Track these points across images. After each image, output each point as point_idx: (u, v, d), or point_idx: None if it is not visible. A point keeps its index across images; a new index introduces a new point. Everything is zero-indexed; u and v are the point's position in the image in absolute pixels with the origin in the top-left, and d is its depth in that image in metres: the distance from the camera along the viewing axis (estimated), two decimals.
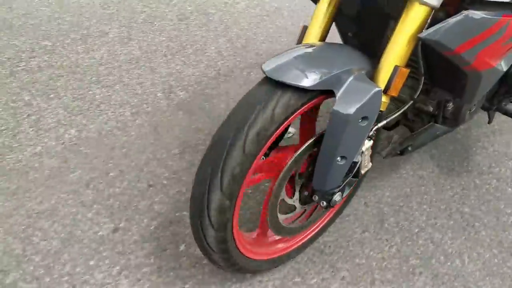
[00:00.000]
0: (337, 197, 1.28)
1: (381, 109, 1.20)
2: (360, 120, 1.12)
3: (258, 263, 1.35)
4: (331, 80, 1.10)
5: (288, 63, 1.11)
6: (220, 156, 1.10)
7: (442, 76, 1.39)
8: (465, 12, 1.08)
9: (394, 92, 1.17)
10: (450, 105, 1.50)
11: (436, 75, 1.40)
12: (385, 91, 1.17)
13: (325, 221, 1.53)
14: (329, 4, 1.28)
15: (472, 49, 1.15)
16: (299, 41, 1.36)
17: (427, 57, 1.32)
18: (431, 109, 1.52)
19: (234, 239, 1.22)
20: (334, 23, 1.37)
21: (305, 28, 1.34)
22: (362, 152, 1.24)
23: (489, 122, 1.77)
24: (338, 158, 1.17)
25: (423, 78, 1.33)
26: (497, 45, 1.19)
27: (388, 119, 1.29)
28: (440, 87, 1.44)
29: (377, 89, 1.11)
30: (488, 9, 1.12)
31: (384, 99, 1.19)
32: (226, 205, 1.12)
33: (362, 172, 1.28)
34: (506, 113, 1.68)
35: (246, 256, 1.30)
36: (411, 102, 1.36)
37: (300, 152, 1.20)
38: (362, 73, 1.14)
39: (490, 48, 1.18)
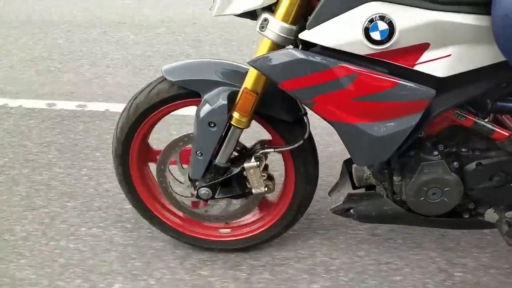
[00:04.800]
0: (203, 191, 1.45)
1: (236, 125, 1.33)
2: (210, 125, 1.34)
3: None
4: (199, 84, 1.35)
5: (181, 66, 1.41)
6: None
7: None
8: (288, 49, 1.16)
9: (241, 110, 1.30)
10: (398, 178, 1.36)
11: None
12: (235, 107, 1.31)
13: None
14: None
15: (306, 90, 1.16)
16: None
17: None
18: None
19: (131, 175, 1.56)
20: None
21: None
22: (243, 168, 1.41)
23: None
24: (198, 152, 1.40)
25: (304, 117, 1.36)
26: (342, 96, 1.14)
27: (278, 150, 1.44)
28: None
29: (222, 102, 1.31)
30: (324, 53, 1.14)
31: (238, 116, 1.31)
32: (118, 152, 1.52)
33: (253, 191, 1.44)
34: None
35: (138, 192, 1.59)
36: (294, 145, 1.39)
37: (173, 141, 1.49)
38: (231, 89, 1.34)
39: (332, 96, 1.15)
